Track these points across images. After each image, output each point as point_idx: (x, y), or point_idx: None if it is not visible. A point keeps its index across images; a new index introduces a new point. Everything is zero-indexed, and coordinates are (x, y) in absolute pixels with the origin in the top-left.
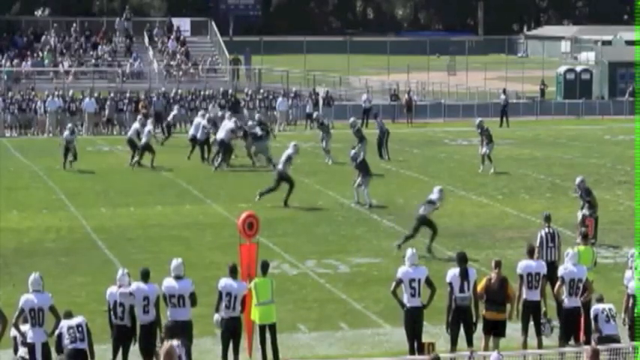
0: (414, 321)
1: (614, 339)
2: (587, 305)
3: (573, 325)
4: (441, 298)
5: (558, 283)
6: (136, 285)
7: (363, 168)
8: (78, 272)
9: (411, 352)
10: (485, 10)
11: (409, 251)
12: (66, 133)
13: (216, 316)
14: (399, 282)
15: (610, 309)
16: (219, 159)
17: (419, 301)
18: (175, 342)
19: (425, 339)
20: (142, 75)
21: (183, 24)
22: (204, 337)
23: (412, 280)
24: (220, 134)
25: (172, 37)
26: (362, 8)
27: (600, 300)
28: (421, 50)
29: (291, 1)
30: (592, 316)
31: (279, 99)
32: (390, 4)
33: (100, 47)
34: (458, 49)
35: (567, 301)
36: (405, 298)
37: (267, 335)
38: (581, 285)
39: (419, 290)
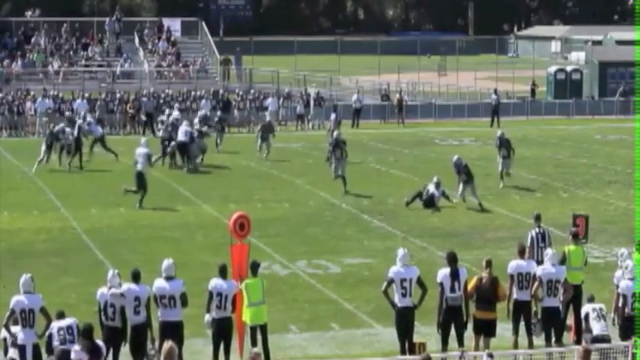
0: (405, 321)
1: (605, 339)
2: (577, 305)
3: (553, 324)
4: (432, 298)
5: (536, 284)
6: (127, 286)
7: None
8: (69, 273)
9: (402, 352)
10: (476, 10)
11: (400, 251)
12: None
13: (207, 317)
14: (391, 282)
15: (601, 309)
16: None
17: (410, 301)
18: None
19: (416, 339)
20: (132, 75)
21: (174, 24)
22: (195, 338)
23: (403, 280)
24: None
25: (163, 37)
26: (352, 8)
27: (591, 300)
28: (412, 50)
29: (282, 2)
30: (582, 315)
31: (269, 99)
32: (381, 5)
33: (90, 48)
34: (448, 49)
35: (546, 301)
36: (397, 298)
37: (259, 336)
38: (559, 285)
39: (410, 290)
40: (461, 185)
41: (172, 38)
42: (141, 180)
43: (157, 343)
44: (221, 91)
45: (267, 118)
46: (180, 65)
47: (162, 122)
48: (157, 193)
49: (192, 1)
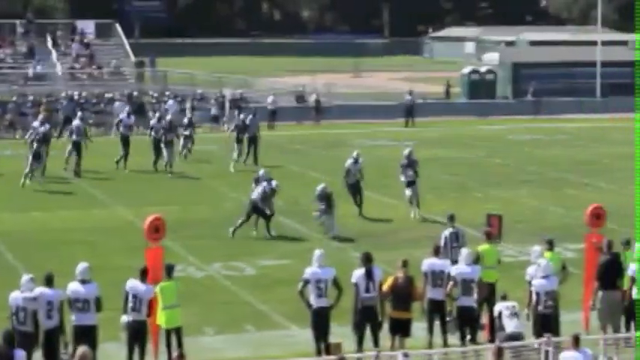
0: (320, 321)
1: (518, 336)
2: (491, 304)
3: (468, 323)
4: (347, 298)
5: (451, 283)
6: (40, 290)
7: None
8: None
9: (318, 353)
10: (391, 12)
11: (317, 252)
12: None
13: (124, 318)
14: (306, 282)
15: (513, 306)
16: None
17: (326, 302)
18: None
19: (331, 339)
20: (45, 78)
21: (88, 26)
22: (109, 342)
23: (319, 281)
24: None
25: (76, 39)
26: (268, 10)
27: (504, 298)
28: (328, 52)
29: (197, 3)
30: (495, 314)
31: (169, 102)
32: (296, 6)
33: (1, 50)
34: (364, 50)
35: (461, 301)
36: (312, 299)
37: (173, 339)
38: (473, 285)
39: (326, 290)
40: (407, 191)
41: (86, 40)
42: (255, 210)
43: (70, 348)
44: (135, 94)
45: (168, 118)
46: (94, 67)
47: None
48: (71, 196)
49: (106, 3)
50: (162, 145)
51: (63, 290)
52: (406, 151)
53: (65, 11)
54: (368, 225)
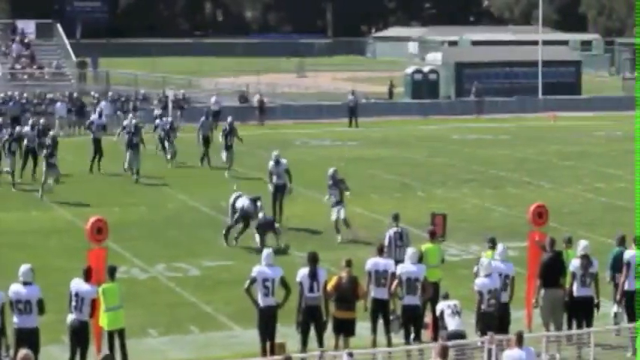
0: (267, 321)
1: (460, 334)
2: (434, 303)
3: (413, 322)
4: (294, 298)
5: (396, 282)
6: None
7: None
8: None
9: (263, 352)
10: (334, 12)
11: (265, 251)
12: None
13: (70, 317)
14: (253, 280)
15: (455, 305)
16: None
17: (273, 301)
18: None
19: (276, 339)
20: None
21: (28, 26)
22: (52, 344)
23: (266, 280)
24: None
25: (17, 39)
26: (211, 10)
27: (446, 297)
28: (271, 52)
29: (139, 3)
30: (438, 313)
31: (102, 102)
32: (239, 6)
33: None
34: (307, 50)
35: (406, 299)
36: (259, 298)
37: (117, 341)
38: (418, 284)
39: (272, 290)
40: (334, 211)
41: (26, 40)
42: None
43: (11, 351)
44: (75, 94)
45: (133, 122)
46: (35, 68)
47: None
48: (10, 198)
49: (47, 3)
50: (129, 149)
51: (4, 292)
52: (330, 171)
53: (5, 11)
54: (312, 225)
